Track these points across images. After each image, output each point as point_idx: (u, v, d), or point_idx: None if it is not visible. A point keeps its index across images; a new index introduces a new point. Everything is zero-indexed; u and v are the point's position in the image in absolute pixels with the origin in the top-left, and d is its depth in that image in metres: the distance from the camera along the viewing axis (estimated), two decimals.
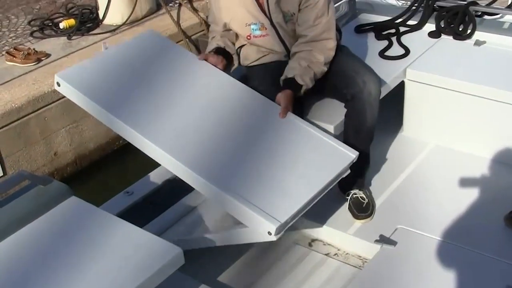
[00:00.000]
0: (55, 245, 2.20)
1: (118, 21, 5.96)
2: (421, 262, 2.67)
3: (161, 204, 2.93)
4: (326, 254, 2.90)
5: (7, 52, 5.34)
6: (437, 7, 3.82)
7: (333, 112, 2.98)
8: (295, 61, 2.86)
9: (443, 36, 3.68)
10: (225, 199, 2.39)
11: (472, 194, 3.05)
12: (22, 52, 5.27)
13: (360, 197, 2.97)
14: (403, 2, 3.99)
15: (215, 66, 2.93)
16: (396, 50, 3.52)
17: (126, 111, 2.62)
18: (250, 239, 2.50)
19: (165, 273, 2.09)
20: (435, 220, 2.89)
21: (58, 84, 2.75)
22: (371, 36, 3.70)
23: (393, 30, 3.72)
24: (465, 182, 3.15)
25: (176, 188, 2.97)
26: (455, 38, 3.64)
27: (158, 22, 6.05)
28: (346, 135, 2.94)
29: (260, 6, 2.88)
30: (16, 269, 2.10)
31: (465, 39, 3.62)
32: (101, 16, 6.07)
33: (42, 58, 5.32)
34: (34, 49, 5.38)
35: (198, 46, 6.10)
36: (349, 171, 2.71)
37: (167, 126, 2.60)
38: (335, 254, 2.90)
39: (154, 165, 3.38)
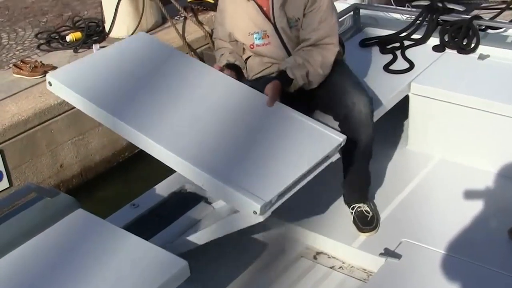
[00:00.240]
0: (62, 258, 2.21)
1: (124, 34, 6.00)
2: (425, 275, 2.67)
3: (167, 216, 2.94)
4: (331, 267, 2.91)
5: (14, 65, 5.38)
6: (441, 21, 3.85)
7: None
8: (292, 57, 2.87)
9: (447, 50, 3.70)
10: (210, 181, 2.39)
11: (476, 208, 3.06)
12: (29, 65, 5.30)
13: (365, 210, 2.98)
14: (408, 16, 4.02)
15: None
16: (400, 64, 3.54)
17: (115, 106, 2.63)
18: (239, 225, 2.52)
19: (171, 286, 2.10)
20: (439, 234, 2.90)
21: (50, 84, 2.78)
22: (375, 50, 3.73)
23: (397, 44, 3.75)
24: (470, 196, 3.16)
25: (182, 201, 2.98)
26: (459, 52, 3.67)
27: (164, 35, 6.09)
28: (344, 153, 2.94)
29: (265, 13, 2.89)
30: (23, 281, 2.11)
31: (469, 53, 3.65)
32: (107, 29, 6.12)
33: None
34: (41, 61, 5.41)
35: (203, 59, 6.14)
36: (338, 156, 2.72)
37: (153, 115, 2.61)
38: (340, 267, 2.91)
39: (160, 177, 3.41)
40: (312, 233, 2.99)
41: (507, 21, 3.98)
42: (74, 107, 5.07)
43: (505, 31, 3.81)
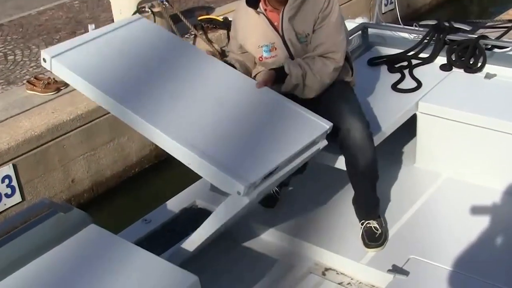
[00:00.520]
0: (74, 272, 2.25)
1: None
2: None
3: (179, 232, 2.98)
4: (339, 283, 2.93)
5: (27, 81, 5.46)
6: (448, 41, 3.89)
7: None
8: (295, 60, 2.94)
9: (454, 69, 3.74)
10: (196, 160, 2.43)
11: (483, 225, 3.08)
12: (42, 82, 5.38)
13: (374, 227, 3.01)
14: (415, 35, 4.06)
15: None
16: (408, 83, 3.58)
17: (107, 84, 2.67)
18: (229, 212, 2.56)
19: None
20: (447, 251, 2.92)
21: (44, 60, 2.81)
22: (383, 68, 3.77)
23: (405, 63, 3.79)
24: (477, 213, 3.18)
25: (193, 216, 3.03)
26: (466, 71, 3.71)
27: None
28: (348, 174, 3.00)
29: (275, 27, 2.95)
30: None
31: (476, 72, 3.68)
32: None
33: (61, 88, 5.41)
34: (53, 78, 5.46)
35: None
36: (326, 142, 2.76)
37: (145, 94, 2.66)
38: (348, 283, 2.93)
39: (170, 193, 3.46)
40: (321, 249, 3.02)
41: None
42: (87, 123, 5.21)
43: (511, 50, 3.84)
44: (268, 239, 3.16)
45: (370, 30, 4.14)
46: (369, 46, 4.08)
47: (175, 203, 3.15)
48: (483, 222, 3.11)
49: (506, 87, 3.52)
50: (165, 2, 6.11)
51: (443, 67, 3.76)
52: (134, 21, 3.11)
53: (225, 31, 6.42)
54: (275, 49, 2.95)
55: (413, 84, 3.56)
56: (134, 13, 5.71)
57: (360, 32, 4.10)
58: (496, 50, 3.84)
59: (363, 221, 3.04)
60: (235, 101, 2.75)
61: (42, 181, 5.02)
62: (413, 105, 3.41)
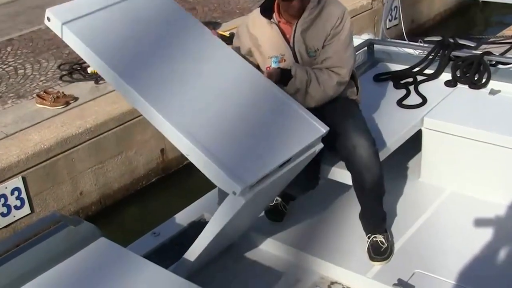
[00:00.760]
0: (84, 285, 2.28)
1: None
2: None
3: (187, 245, 3.00)
4: None
5: (37, 95, 5.51)
6: (453, 57, 3.93)
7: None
8: (303, 66, 2.97)
9: (459, 85, 3.78)
10: (196, 153, 2.44)
11: (487, 240, 3.10)
12: (51, 96, 5.44)
13: (380, 241, 3.04)
14: (420, 51, 4.11)
15: None
16: (413, 99, 3.62)
17: (116, 60, 2.63)
18: (227, 214, 2.57)
19: None
20: (451, 265, 2.94)
21: (48, 19, 2.72)
22: (389, 84, 3.81)
23: (410, 79, 3.83)
24: (482, 228, 3.21)
25: (201, 230, 3.05)
26: (470, 87, 3.75)
27: None
28: (354, 189, 3.03)
29: (286, 39, 2.98)
30: None
31: (480, 88, 3.72)
32: None
33: (71, 102, 5.48)
34: (63, 92, 5.54)
35: None
36: (322, 145, 2.79)
37: (152, 75, 2.63)
38: None
39: (178, 206, 3.49)
40: (326, 262, 3.04)
41: None
42: (95, 137, 5.25)
43: None
44: (274, 253, 3.18)
45: (376, 46, 4.19)
46: (374, 62, 4.13)
47: (184, 217, 3.18)
48: (487, 237, 3.13)
49: (511, 103, 3.55)
50: None
51: (448, 83, 3.80)
52: None
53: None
54: (284, 60, 2.99)
55: (419, 100, 3.59)
56: None
57: (366, 48, 4.15)
58: (500, 66, 3.88)
59: (370, 235, 3.07)
60: (240, 94, 2.74)
61: (51, 194, 5.06)
62: (418, 121, 3.44)
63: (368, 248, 3.05)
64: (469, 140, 3.37)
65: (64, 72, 6.08)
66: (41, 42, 6.95)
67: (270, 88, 2.82)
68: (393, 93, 3.69)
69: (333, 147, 2.98)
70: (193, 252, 2.76)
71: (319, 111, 2.84)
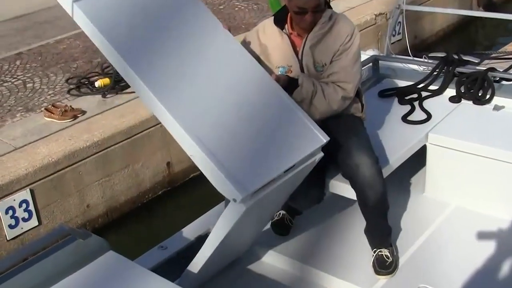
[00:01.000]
0: None
1: None
2: None
3: None
4: None
5: (45, 109, 5.56)
6: (457, 73, 3.97)
7: None
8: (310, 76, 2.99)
9: (463, 101, 3.81)
10: (200, 155, 2.44)
11: (492, 255, 3.12)
12: (59, 109, 5.48)
13: (385, 255, 3.06)
14: (425, 67, 4.14)
15: None
16: (418, 114, 3.66)
17: (126, 47, 2.59)
18: (229, 221, 2.57)
19: None
20: (456, 280, 2.96)
21: None
22: (394, 100, 3.85)
23: (415, 95, 3.86)
24: (486, 243, 3.22)
25: None
26: (474, 103, 3.78)
27: None
28: (359, 205, 3.05)
29: (296, 51, 3.02)
30: None
31: (484, 104, 3.75)
32: None
33: (78, 115, 5.52)
34: (70, 106, 5.58)
35: None
36: (322, 154, 2.79)
37: (163, 68, 2.60)
38: None
39: (184, 218, 3.51)
40: (332, 276, 3.06)
41: None
42: (102, 150, 5.29)
43: None
44: (279, 266, 3.21)
45: (381, 63, 4.24)
46: (379, 78, 4.17)
47: (191, 230, 3.21)
48: (492, 251, 3.15)
49: None
50: None
51: (452, 99, 3.83)
52: None
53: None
54: (291, 72, 3.01)
55: (423, 116, 3.63)
56: None
57: (371, 64, 4.19)
58: (504, 82, 3.91)
59: (375, 249, 3.09)
60: (248, 96, 2.73)
61: (58, 206, 5.09)
62: (423, 137, 3.47)
63: (373, 262, 3.07)
64: (473, 156, 3.39)
65: (72, 86, 6.13)
66: (50, 56, 7.03)
67: (277, 92, 2.82)
68: (398, 109, 3.73)
69: (337, 163, 3.01)
70: (197, 263, 2.77)
71: (324, 127, 2.88)
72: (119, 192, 5.52)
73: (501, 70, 3.98)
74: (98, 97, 5.89)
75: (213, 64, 2.75)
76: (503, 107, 3.70)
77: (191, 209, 5.18)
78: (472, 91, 3.82)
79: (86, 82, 6.14)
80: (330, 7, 3.05)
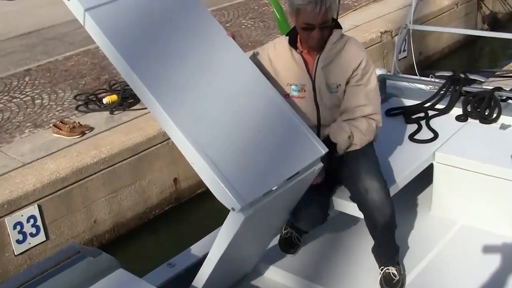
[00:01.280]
0: None
1: None
2: None
3: None
4: None
5: (54, 125, 5.59)
6: (464, 92, 4.00)
7: None
8: (337, 123, 2.99)
9: (470, 119, 3.84)
10: (201, 164, 2.47)
11: (499, 273, 3.13)
12: (67, 125, 5.50)
13: (392, 273, 3.08)
14: (431, 87, 4.17)
15: None
16: (425, 133, 3.68)
17: (135, 57, 2.62)
18: (230, 231, 2.58)
19: None
20: None
21: None
22: (401, 119, 3.88)
23: (422, 114, 3.89)
24: (492, 261, 3.23)
25: None
26: (481, 122, 3.80)
27: None
28: (367, 225, 3.06)
29: (308, 69, 3.03)
30: None
31: (491, 123, 3.78)
32: None
33: (86, 132, 5.54)
34: (78, 122, 5.61)
35: None
36: (322, 164, 2.81)
37: (169, 82, 2.62)
38: None
39: (190, 234, 3.53)
40: None
41: None
42: (109, 167, 5.32)
43: None
44: (286, 284, 3.21)
45: (388, 82, 4.26)
46: (387, 97, 4.19)
47: (199, 248, 3.22)
48: (498, 270, 3.15)
49: None
50: None
51: (459, 118, 3.85)
52: None
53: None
54: (304, 91, 3.03)
55: (430, 135, 3.65)
56: None
57: (378, 83, 4.20)
58: (510, 101, 3.93)
59: (382, 267, 3.11)
60: (248, 106, 2.75)
61: (66, 221, 5.11)
62: (430, 155, 3.49)
63: (380, 280, 3.08)
64: (480, 174, 3.41)
65: (80, 103, 6.16)
66: (58, 72, 7.07)
67: (278, 103, 2.84)
68: (405, 128, 3.75)
69: (344, 185, 3.03)
70: (201, 278, 2.78)
71: (332, 150, 2.91)
72: (126, 208, 5.54)
73: (508, 89, 4.00)
74: (106, 113, 5.92)
75: (215, 73, 2.79)
76: (509, 126, 3.72)
77: (197, 225, 5.21)
78: (478, 110, 3.84)
79: (94, 99, 6.17)
80: (340, 27, 3.07)
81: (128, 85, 6.40)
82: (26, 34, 8.68)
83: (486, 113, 3.82)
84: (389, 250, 3.14)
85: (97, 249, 2.68)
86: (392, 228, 3.05)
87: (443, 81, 4.09)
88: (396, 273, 3.08)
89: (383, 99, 4.15)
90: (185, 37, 2.81)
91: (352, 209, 3.08)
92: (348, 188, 3.05)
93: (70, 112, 6.02)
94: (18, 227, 4.78)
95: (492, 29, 9.42)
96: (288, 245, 3.37)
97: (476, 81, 4.17)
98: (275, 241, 3.37)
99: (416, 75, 4.28)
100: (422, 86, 4.22)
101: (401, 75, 4.34)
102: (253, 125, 2.70)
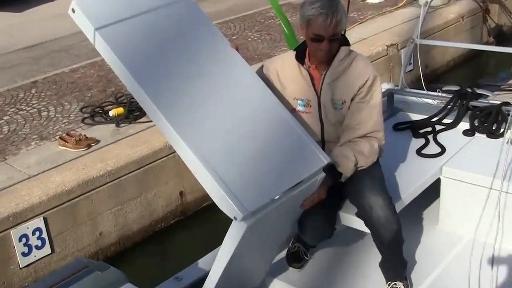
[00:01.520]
0: None
1: None
2: None
3: None
4: None
5: (60, 137, 5.60)
6: (471, 107, 4.00)
7: None
8: (339, 149, 2.99)
9: (477, 134, 3.84)
10: (204, 173, 2.48)
11: (506, 287, 3.12)
12: (74, 138, 5.51)
13: None
14: (439, 101, 4.18)
15: None
16: (432, 148, 3.68)
17: (143, 74, 2.65)
18: (233, 240, 2.59)
19: None
20: None
21: (73, 11, 2.70)
22: (408, 134, 3.88)
23: (429, 129, 3.90)
24: (500, 276, 3.22)
25: None
26: (488, 136, 3.80)
27: None
28: (374, 242, 3.05)
29: (314, 84, 3.04)
30: None
31: (498, 138, 3.77)
32: None
33: (92, 144, 5.55)
34: (85, 135, 5.61)
35: None
36: (324, 174, 2.82)
37: (175, 94, 2.64)
38: None
39: (195, 247, 3.52)
40: None
41: None
42: (115, 179, 5.32)
43: None
44: None
45: (396, 96, 4.27)
46: (394, 112, 4.20)
47: (206, 262, 3.22)
48: (506, 285, 3.14)
49: None
50: None
51: (466, 133, 3.86)
52: (177, 1, 2.98)
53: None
54: (310, 106, 3.04)
55: (437, 149, 3.65)
56: None
57: (385, 98, 4.22)
58: None
59: (390, 282, 3.10)
60: (251, 116, 2.77)
61: (71, 234, 5.11)
62: (437, 170, 3.50)
63: None
64: (487, 189, 3.40)
65: (86, 115, 6.17)
66: (64, 85, 7.09)
67: (280, 112, 2.85)
68: (412, 142, 3.76)
69: (350, 201, 3.03)
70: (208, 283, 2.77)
71: (336, 175, 2.91)
72: (131, 220, 5.54)
73: None
74: (112, 126, 5.93)
75: (219, 84, 2.81)
76: None
77: (203, 238, 5.20)
78: (486, 124, 3.84)
79: (100, 111, 6.18)
80: (348, 44, 3.08)
81: (134, 98, 6.48)
82: (32, 46, 8.73)
83: (494, 128, 3.82)
84: (397, 265, 3.13)
85: (105, 263, 2.69)
86: (399, 243, 3.04)
87: (450, 96, 4.10)
88: (403, 287, 3.06)
89: (391, 114, 4.16)
90: (192, 52, 2.84)
91: (358, 224, 3.07)
92: (354, 205, 3.04)
93: (76, 124, 6.03)
94: (24, 240, 4.79)
95: (498, 42, 9.43)
96: (295, 260, 3.37)
97: (483, 96, 4.18)
98: (282, 255, 3.36)
99: (423, 89, 4.28)
100: (430, 101, 4.23)
101: (408, 89, 4.35)
102: (255, 134, 2.72)
